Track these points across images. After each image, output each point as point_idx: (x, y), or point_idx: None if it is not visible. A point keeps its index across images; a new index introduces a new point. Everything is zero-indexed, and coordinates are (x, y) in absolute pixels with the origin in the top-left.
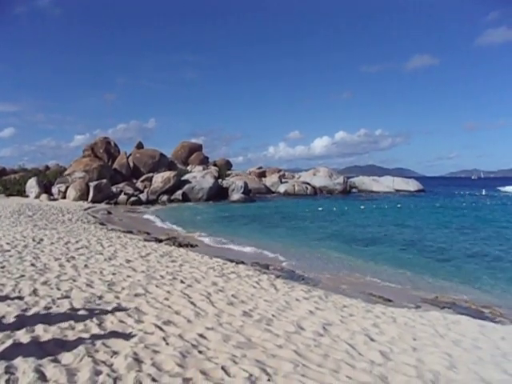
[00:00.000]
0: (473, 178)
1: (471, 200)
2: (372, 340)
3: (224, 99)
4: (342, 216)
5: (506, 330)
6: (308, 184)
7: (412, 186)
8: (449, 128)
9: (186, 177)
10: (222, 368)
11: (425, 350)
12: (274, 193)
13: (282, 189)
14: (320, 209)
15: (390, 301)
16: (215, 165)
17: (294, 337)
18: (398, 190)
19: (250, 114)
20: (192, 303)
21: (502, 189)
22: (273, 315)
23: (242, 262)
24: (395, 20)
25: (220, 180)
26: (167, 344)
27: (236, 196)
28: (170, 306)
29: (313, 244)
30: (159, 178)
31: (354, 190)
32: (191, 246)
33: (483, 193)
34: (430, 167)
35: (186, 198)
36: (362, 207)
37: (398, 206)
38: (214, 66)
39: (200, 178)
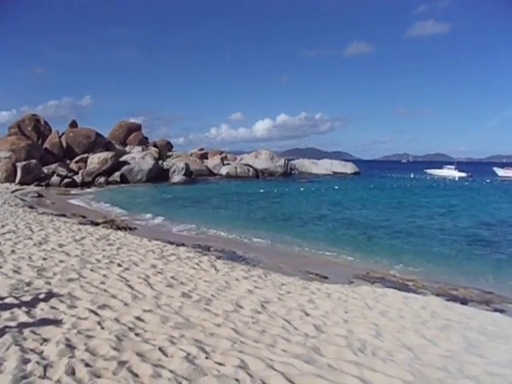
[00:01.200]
0: (403, 161)
1: (401, 182)
2: (307, 315)
3: (165, 78)
4: (283, 197)
5: (426, 300)
6: (250, 166)
7: (349, 168)
8: (383, 113)
9: (124, 158)
10: (160, 349)
11: (355, 322)
12: (216, 175)
13: (224, 171)
14: (261, 191)
15: (325, 278)
16: (155, 146)
17: (232, 315)
18: (335, 173)
19: (191, 94)
20: (129, 286)
21: (428, 171)
22: (212, 295)
23: (183, 244)
24: (335, 7)
25: (160, 161)
26: (102, 328)
27: (177, 178)
28: (106, 290)
29: (254, 225)
30: (95, 159)
31: (294, 172)
32: (130, 228)
33: (412, 176)
34: (365, 151)
35: (124, 179)
36: (302, 189)
37: (336, 187)
38: (154, 44)
39: (139, 159)
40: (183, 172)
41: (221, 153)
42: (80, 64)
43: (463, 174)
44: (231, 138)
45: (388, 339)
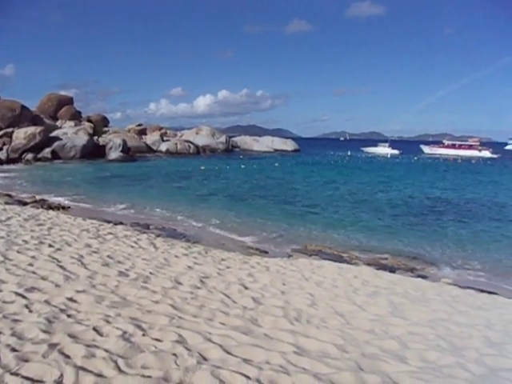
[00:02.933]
0: (341, 139)
1: (338, 159)
2: (246, 288)
3: (101, 50)
4: (224, 174)
5: (359, 270)
6: (191, 143)
7: (289, 146)
8: (323, 92)
9: (55, 133)
10: (94, 329)
11: (292, 293)
12: (155, 152)
13: (163, 147)
14: (202, 168)
15: (265, 252)
16: (89, 121)
17: (171, 292)
18: (276, 150)
19: (129, 66)
20: (61, 267)
21: (365, 149)
22: (151, 273)
23: (121, 223)
24: None
25: (96, 137)
26: (30, 311)
27: (114, 155)
28: (34, 272)
29: (195, 202)
30: (21, 134)
31: (236, 149)
32: (63, 208)
33: (349, 153)
34: (305, 128)
35: (56, 156)
36: (243, 166)
37: (276, 164)
38: (87, 11)
39: (72, 134)
40: (120, 148)
41: (160, 129)
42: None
43: (395, 152)
44: (171, 114)
45: (322, 307)
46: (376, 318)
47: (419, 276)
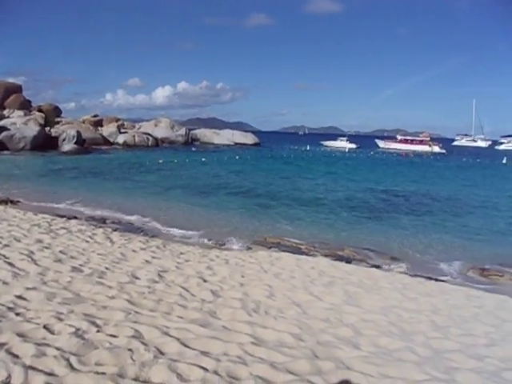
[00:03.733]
0: (300, 133)
1: (297, 153)
2: (205, 281)
3: (52, 35)
4: (183, 167)
5: (316, 261)
6: (149, 135)
7: (249, 139)
8: (282, 86)
9: (2, 123)
10: (45, 327)
11: (250, 285)
12: (112, 144)
13: (121, 139)
14: (161, 161)
15: (225, 245)
16: (40, 110)
17: (127, 286)
18: (237, 143)
19: (84, 55)
20: (9, 264)
21: (324, 143)
22: (106, 268)
23: (75, 217)
24: None
25: (48, 128)
26: None
27: (67, 147)
28: None
29: (153, 196)
30: None
31: (196, 142)
32: (11, 202)
33: (308, 147)
34: (265, 122)
35: (3, 147)
36: (204, 159)
37: (237, 157)
38: None
39: (21, 124)
40: (74, 140)
41: (117, 120)
42: None
43: (353, 146)
44: (129, 105)
45: (280, 298)
46: (331, 307)
47: (373, 266)
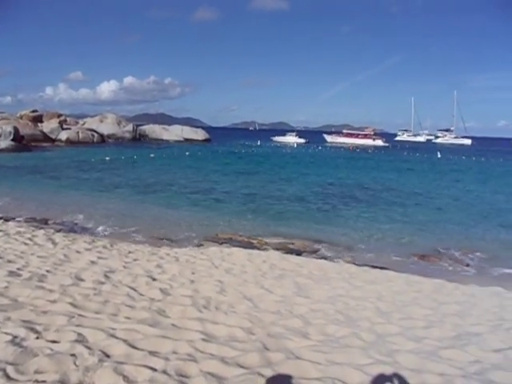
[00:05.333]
0: (251, 129)
1: (248, 149)
2: (154, 280)
3: None
4: (131, 164)
5: (267, 255)
6: (95, 131)
7: (200, 135)
8: (232, 82)
9: None
10: None
11: (201, 281)
12: (54, 141)
13: (63, 136)
14: (107, 158)
15: (176, 242)
16: None
17: (71, 289)
18: (187, 139)
19: (19, 43)
20: None
21: (274, 139)
22: (47, 271)
23: (13, 219)
24: None
25: None
26: None
27: (3, 144)
28: None
29: (99, 195)
30: None
31: (144, 138)
32: None
33: (258, 143)
34: (215, 118)
35: None
36: (152, 155)
37: (187, 153)
38: None
39: None
40: (11, 137)
41: (59, 116)
42: None
43: (302, 141)
44: (71, 100)
45: (231, 293)
46: (282, 299)
47: (322, 257)
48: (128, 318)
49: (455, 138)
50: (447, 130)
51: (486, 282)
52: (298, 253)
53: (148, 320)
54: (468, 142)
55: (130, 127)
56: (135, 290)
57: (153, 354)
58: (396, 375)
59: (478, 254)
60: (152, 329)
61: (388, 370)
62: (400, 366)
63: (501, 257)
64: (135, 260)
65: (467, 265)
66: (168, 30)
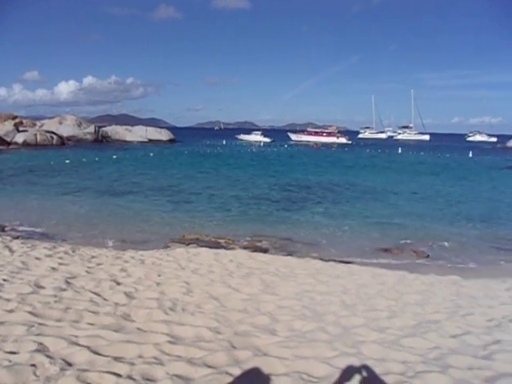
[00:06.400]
0: (216, 128)
1: (214, 148)
2: (118, 284)
3: None
4: (93, 167)
5: (234, 254)
6: (54, 133)
7: (164, 135)
8: (195, 81)
9: None
10: None
11: (167, 283)
12: (9, 144)
13: (20, 139)
14: (67, 161)
15: (142, 244)
16: None
17: (30, 297)
18: (151, 140)
19: None
20: None
21: (239, 137)
22: (4, 280)
23: None
24: None
25: None
26: None
27: None
28: None
29: (58, 198)
30: None
31: (107, 139)
32: None
33: (224, 142)
34: (180, 118)
35: None
36: (115, 157)
37: (151, 154)
38: None
39: None
40: None
41: (14, 117)
42: None
43: (267, 139)
44: (28, 101)
45: (198, 294)
46: (249, 297)
47: (289, 254)
48: (91, 324)
49: (415, 134)
50: (407, 127)
51: (444, 271)
52: (266, 251)
53: (112, 325)
54: (426, 137)
55: (91, 128)
56: (99, 295)
57: (117, 359)
58: (361, 365)
59: (436, 244)
60: (116, 334)
61: (353, 361)
62: (364, 357)
63: (457, 246)
64: (98, 265)
65: (427, 256)
66: (128, 28)
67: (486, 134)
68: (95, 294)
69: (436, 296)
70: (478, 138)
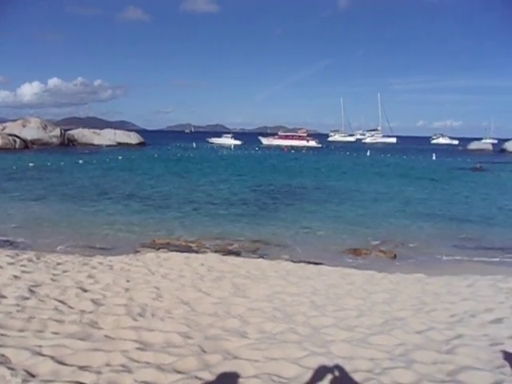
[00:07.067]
0: (186, 131)
1: (184, 151)
2: (85, 291)
3: None
4: (58, 171)
5: (205, 258)
6: (16, 136)
7: (133, 138)
8: (164, 84)
9: None
10: None
11: (136, 289)
12: None
13: None
14: (31, 164)
15: (110, 250)
16: None
17: None
18: (120, 143)
19: None
20: None
21: (210, 140)
22: None
23: None
24: None
25: None
26: None
27: None
28: None
29: (21, 204)
30: None
31: (74, 143)
32: None
33: (194, 145)
34: (150, 121)
35: None
36: (81, 161)
37: (119, 158)
38: None
39: None
40: None
41: None
42: None
43: (238, 142)
44: None
45: (167, 299)
46: (220, 300)
47: (261, 256)
48: (56, 333)
49: (382, 137)
50: (374, 130)
51: (410, 269)
52: (237, 254)
53: (78, 333)
54: (393, 140)
55: (57, 132)
56: (64, 303)
57: (83, 368)
58: (330, 364)
59: (403, 244)
60: (83, 342)
61: (322, 361)
62: (334, 356)
63: (422, 245)
64: (64, 272)
65: (394, 255)
66: (94, 29)
67: (448, 136)
68: (60, 302)
69: (402, 294)
70: (442, 140)
